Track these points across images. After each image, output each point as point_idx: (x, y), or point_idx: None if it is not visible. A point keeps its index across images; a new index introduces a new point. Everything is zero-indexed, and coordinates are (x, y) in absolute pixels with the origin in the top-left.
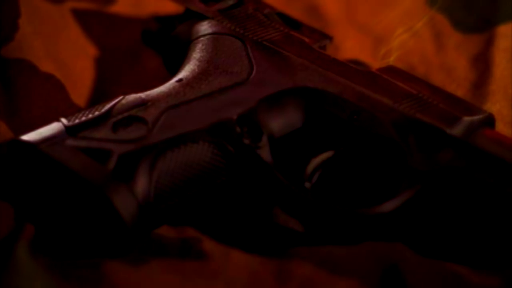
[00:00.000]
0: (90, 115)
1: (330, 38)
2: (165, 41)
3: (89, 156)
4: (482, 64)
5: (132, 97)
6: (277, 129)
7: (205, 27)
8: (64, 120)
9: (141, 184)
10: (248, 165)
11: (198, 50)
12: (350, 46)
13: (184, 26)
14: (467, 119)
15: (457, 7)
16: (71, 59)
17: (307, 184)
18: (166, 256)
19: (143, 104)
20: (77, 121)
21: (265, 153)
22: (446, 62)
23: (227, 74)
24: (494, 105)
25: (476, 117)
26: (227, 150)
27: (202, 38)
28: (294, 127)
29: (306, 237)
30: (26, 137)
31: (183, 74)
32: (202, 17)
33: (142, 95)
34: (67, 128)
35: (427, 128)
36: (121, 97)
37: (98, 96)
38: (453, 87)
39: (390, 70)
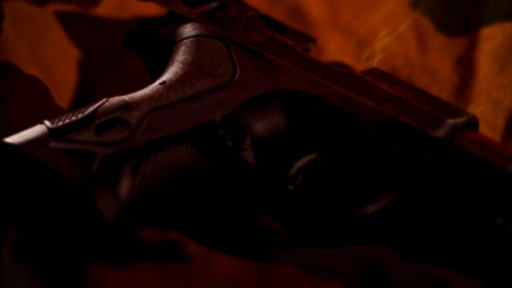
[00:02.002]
0: (74, 118)
1: (313, 40)
2: (148, 44)
3: (72, 159)
4: (466, 66)
5: (115, 99)
6: (260, 131)
7: (188, 30)
8: (47, 123)
9: (125, 186)
10: (231, 168)
11: (181, 53)
12: (333, 49)
13: (168, 29)
14: (450, 121)
15: (440, 10)
16: (55, 62)
17: (291, 187)
18: (150, 258)
19: (126, 106)
20: (60, 123)
21: (248, 156)
22: (430, 65)
23: (210, 77)
24: (478, 108)
25: (459, 120)
26: (211, 152)
27: (185, 41)
28: (278, 129)
29: (290, 239)
30: (10, 139)
31: (166, 76)
32: (186, 20)
33: (126, 97)
34: (50, 130)
35: (411, 130)
36: (104, 100)
37: (81, 98)
38: (437, 90)
39: (374, 72)
